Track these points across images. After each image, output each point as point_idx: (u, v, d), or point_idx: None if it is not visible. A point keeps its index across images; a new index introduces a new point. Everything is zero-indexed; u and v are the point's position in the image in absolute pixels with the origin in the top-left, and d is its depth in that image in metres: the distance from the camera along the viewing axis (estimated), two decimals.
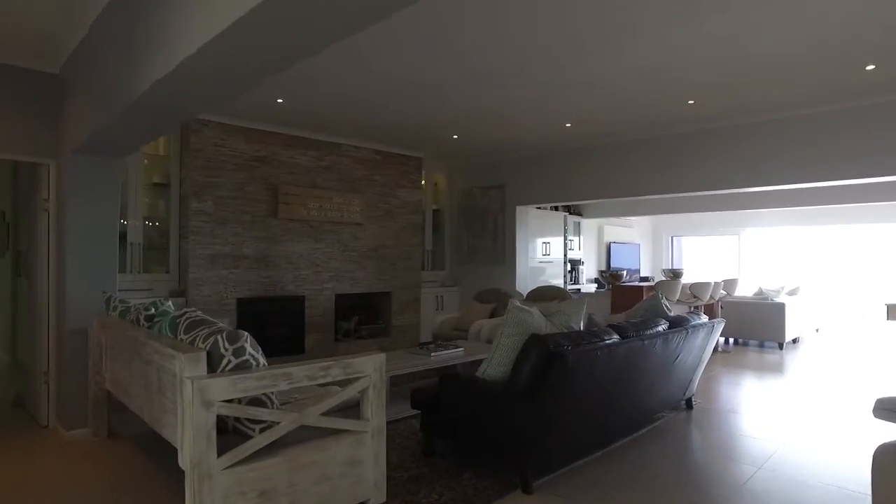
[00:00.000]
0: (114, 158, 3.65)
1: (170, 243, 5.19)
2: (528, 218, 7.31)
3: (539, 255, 7.50)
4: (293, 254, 5.79)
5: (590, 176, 6.42)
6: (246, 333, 2.30)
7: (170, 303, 3.49)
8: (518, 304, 2.95)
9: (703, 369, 4.37)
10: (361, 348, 6.32)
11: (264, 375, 2.25)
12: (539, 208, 7.67)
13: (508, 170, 7.23)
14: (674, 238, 10.41)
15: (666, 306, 4.23)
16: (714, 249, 10.20)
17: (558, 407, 2.82)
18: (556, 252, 7.77)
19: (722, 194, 7.67)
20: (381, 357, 2.64)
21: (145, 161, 5.15)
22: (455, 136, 6.14)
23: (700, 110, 5.01)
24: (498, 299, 6.23)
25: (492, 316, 6.10)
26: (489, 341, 5.34)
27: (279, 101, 4.71)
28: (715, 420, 4.12)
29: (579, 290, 8.31)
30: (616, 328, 3.33)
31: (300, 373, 2.36)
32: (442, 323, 6.27)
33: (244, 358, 2.27)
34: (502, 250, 7.20)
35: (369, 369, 2.60)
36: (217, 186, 5.22)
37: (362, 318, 6.64)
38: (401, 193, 6.83)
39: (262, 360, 2.37)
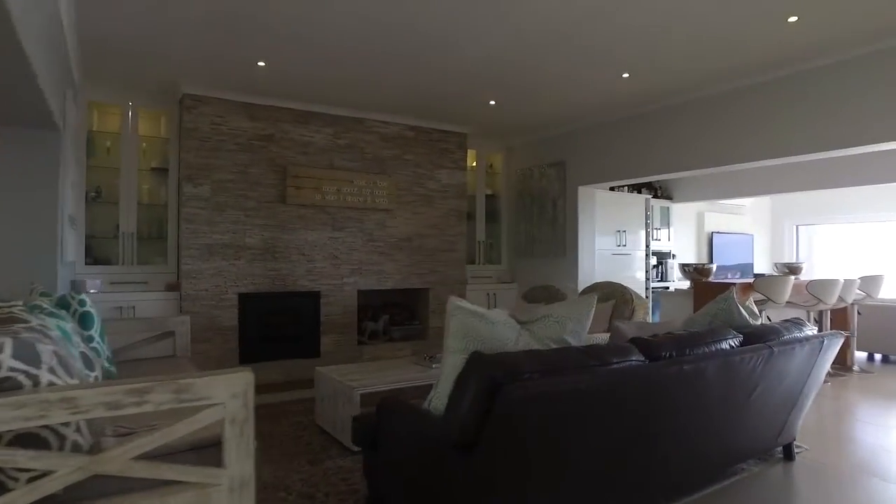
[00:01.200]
0: (45, 130, 3.22)
1: (168, 233, 4.81)
2: (596, 201, 6.10)
3: (612, 245, 6.24)
4: (306, 244, 5.18)
5: (666, 144, 5.10)
6: (4, 340, 1.60)
7: (83, 296, 2.96)
8: (461, 302, 1.98)
9: (810, 402, 3.03)
10: (390, 352, 5.57)
11: (24, 402, 1.54)
12: (613, 189, 6.41)
13: (569, 144, 6.08)
14: (799, 227, 8.41)
15: (750, 310, 2.97)
16: (858, 240, 8.08)
17: (519, 464, 1.81)
18: (635, 243, 6.45)
19: (864, 163, 5.87)
20: (243, 377, 1.82)
21: (143, 144, 4.81)
22: (492, 102, 5.16)
23: (805, 34, 3.58)
24: (547, 297, 5.16)
25: None
26: None
27: (260, 63, 4.09)
28: (833, 483, 2.78)
29: (667, 288, 6.88)
30: (643, 344, 2.23)
31: (93, 398, 1.63)
32: None
33: (2, 375, 1.57)
34: (562, 240, 6.06)
35: (222, 395, 1.80)
36: (215, 169, 4.75)
37: (395, 318, 5.90)
38: (440, 175, 5.98)
39: (51, 378, 1.67)
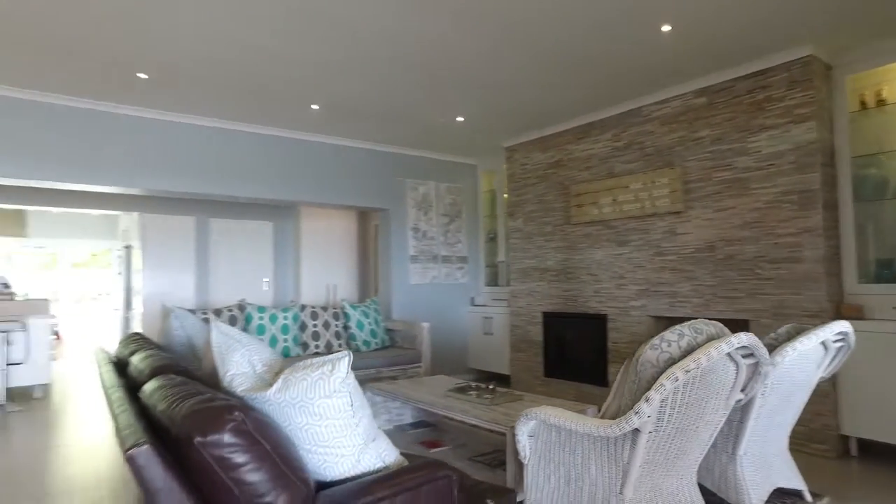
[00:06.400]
0: (384, 211, 6.00)
1: None
2: None
3: None
4: (593, 263, 5.10)
5: None
6: None
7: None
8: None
9: None
10: None
11: None
12: None
13: None
14: None
15: None
16: None
17: None
18: None
19: None
20: None
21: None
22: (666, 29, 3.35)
23: None
24: None
25: None
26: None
27: (313, 107, 4.94)
28: None
29: None
30: None
31: None
32: None
33: None
34: None
35: None
36: (524, 203, 5.79)
37: None
38: (758, 143, 3.95)
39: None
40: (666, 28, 3.45)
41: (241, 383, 1.76)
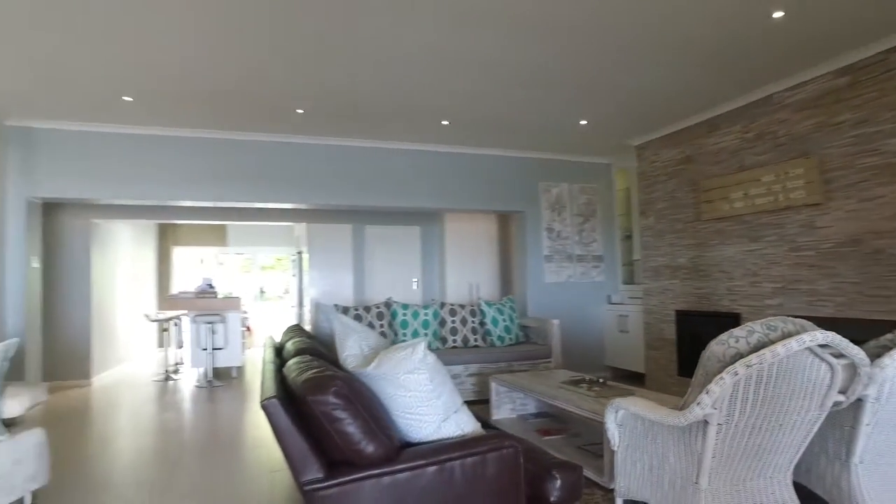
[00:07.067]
0: (519, 212, 6.35)
1: None
2: None
3: None
4: (724, 260, 4.92)
5: None
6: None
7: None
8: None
9: None
10: None
11: None
12: None
13: None
14: None
15: None
16: None
17: None
18: None
19: None
20: None
21: None
22: None
23: None
24: None
25: None
26: None
27: (443, 122, 5.19)
28: None
29: None
30: None
31: None
32: None
33: None
34: None
35: None
36: (655, 201, 5.72)
37: None
38: None
39: None
40: (777, 14, 3.33)
41: (352, 362, 2.26)
